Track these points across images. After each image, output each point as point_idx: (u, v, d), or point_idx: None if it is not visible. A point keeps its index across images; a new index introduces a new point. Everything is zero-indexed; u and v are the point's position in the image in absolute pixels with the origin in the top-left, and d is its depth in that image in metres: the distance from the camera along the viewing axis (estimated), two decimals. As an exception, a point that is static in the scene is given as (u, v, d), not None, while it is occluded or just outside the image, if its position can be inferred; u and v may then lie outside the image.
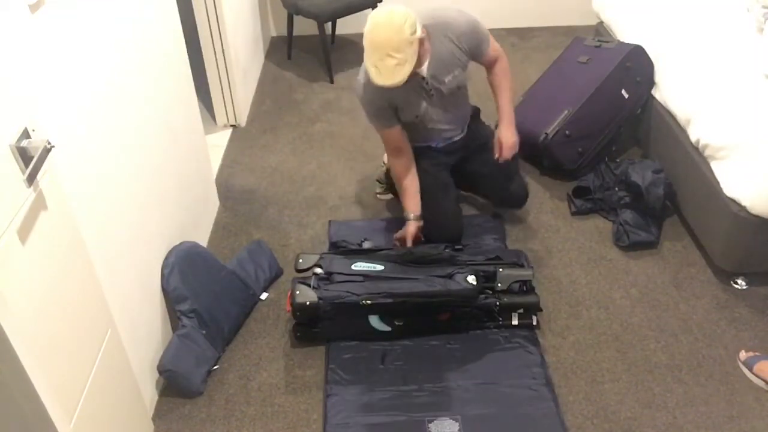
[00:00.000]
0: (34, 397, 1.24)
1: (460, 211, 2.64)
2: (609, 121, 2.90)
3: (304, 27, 4.07)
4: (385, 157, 2.79)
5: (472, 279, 2.15)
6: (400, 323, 2.20)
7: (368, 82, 2.20)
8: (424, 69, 2.23)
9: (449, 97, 2.38)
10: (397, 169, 2.45)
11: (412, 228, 2.44)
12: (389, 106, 2.32)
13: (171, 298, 2.08)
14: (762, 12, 2.77)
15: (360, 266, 2.21)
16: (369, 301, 2.11)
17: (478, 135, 2.60)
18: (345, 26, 4.17)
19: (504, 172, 2.58)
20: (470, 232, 2.63)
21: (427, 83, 2.30)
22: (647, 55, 2.93)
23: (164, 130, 2.17)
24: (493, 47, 2.41)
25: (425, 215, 2.47)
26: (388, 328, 2.20)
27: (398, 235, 2.49)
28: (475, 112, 2.62)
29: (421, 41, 2.09)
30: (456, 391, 2.04)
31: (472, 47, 2.33)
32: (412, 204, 2.45)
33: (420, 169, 2.47)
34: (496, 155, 2.49)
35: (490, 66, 2.46)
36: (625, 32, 3.15)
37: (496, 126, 2.54)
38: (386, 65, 2.03)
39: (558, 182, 2.97)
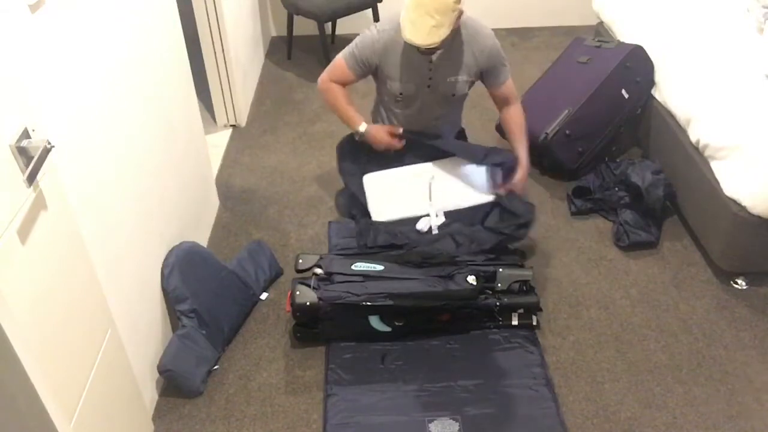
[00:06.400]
0: (34, 397, 1.24)
1: None
2: (609, 121, 2.90)
3: (304, 27, 4.07)
4: None
5: (472, 279, 2.16)
6: (401, 323, 2.20)
7: (388, 36, 2.25)
8: (436, 55, 2.24)
9: (438, 103, 2.39)
10: (333, 92, 2.42)
11: (378, 132, 2.43)
12: (373, 65, 2.33)
13: (171, 298, 2.08)
14: (762, 12, 2.77)
15: (360, 266, 2.21)
16: (369, 302, 2.11)
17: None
18: (345, 26, 4.16)
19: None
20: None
21: (430, 69, 2.30)
22: (647, 55, 2.93)
23: (164, 130, 2.17)
24: (510, 86, 2.43)
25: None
26: (388, 329, 2.20)
27: (382, 148, 2.46)
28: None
29: (459, 16, 2.10)
30: (456, 391, 2.04)
31: (488, 67, 2.35)
32: (357, 117, 2.44)
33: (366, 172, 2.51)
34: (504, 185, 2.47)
35: (501, 104, 2.48)
36: (625, 32, 3.15)
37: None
38: (424, 23, 2.03)
39: (558, 182, 2.97)
